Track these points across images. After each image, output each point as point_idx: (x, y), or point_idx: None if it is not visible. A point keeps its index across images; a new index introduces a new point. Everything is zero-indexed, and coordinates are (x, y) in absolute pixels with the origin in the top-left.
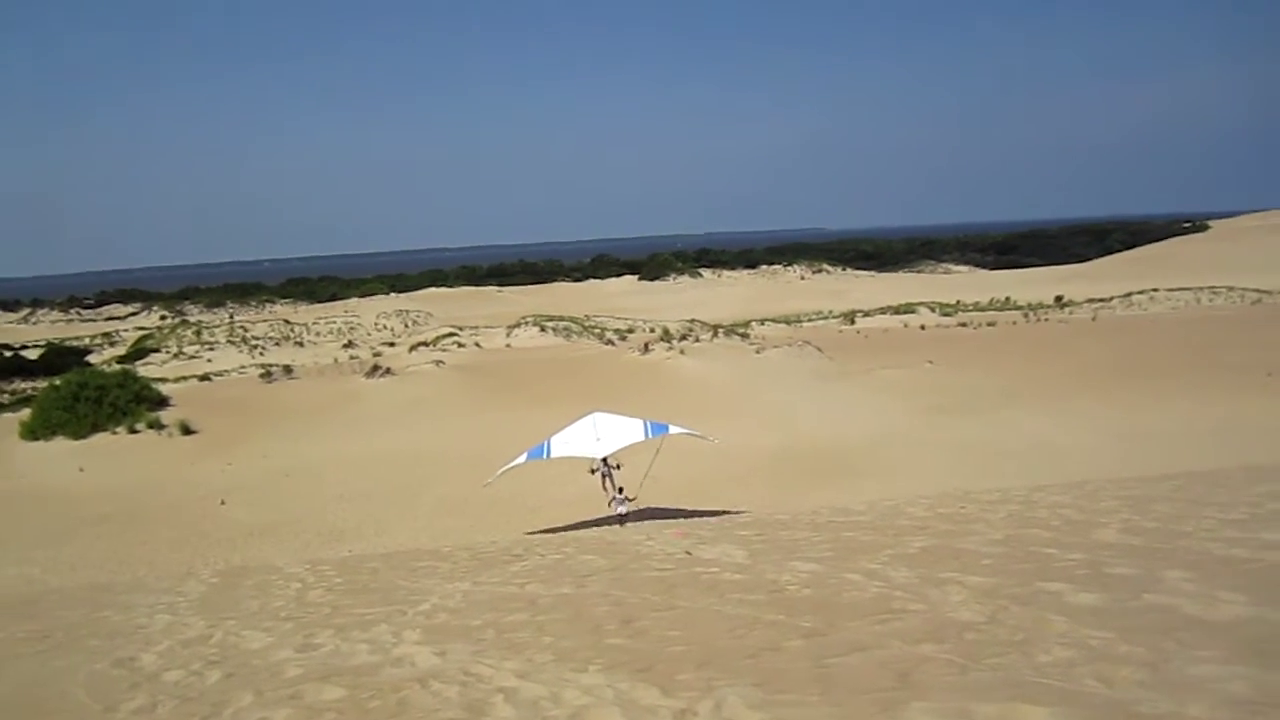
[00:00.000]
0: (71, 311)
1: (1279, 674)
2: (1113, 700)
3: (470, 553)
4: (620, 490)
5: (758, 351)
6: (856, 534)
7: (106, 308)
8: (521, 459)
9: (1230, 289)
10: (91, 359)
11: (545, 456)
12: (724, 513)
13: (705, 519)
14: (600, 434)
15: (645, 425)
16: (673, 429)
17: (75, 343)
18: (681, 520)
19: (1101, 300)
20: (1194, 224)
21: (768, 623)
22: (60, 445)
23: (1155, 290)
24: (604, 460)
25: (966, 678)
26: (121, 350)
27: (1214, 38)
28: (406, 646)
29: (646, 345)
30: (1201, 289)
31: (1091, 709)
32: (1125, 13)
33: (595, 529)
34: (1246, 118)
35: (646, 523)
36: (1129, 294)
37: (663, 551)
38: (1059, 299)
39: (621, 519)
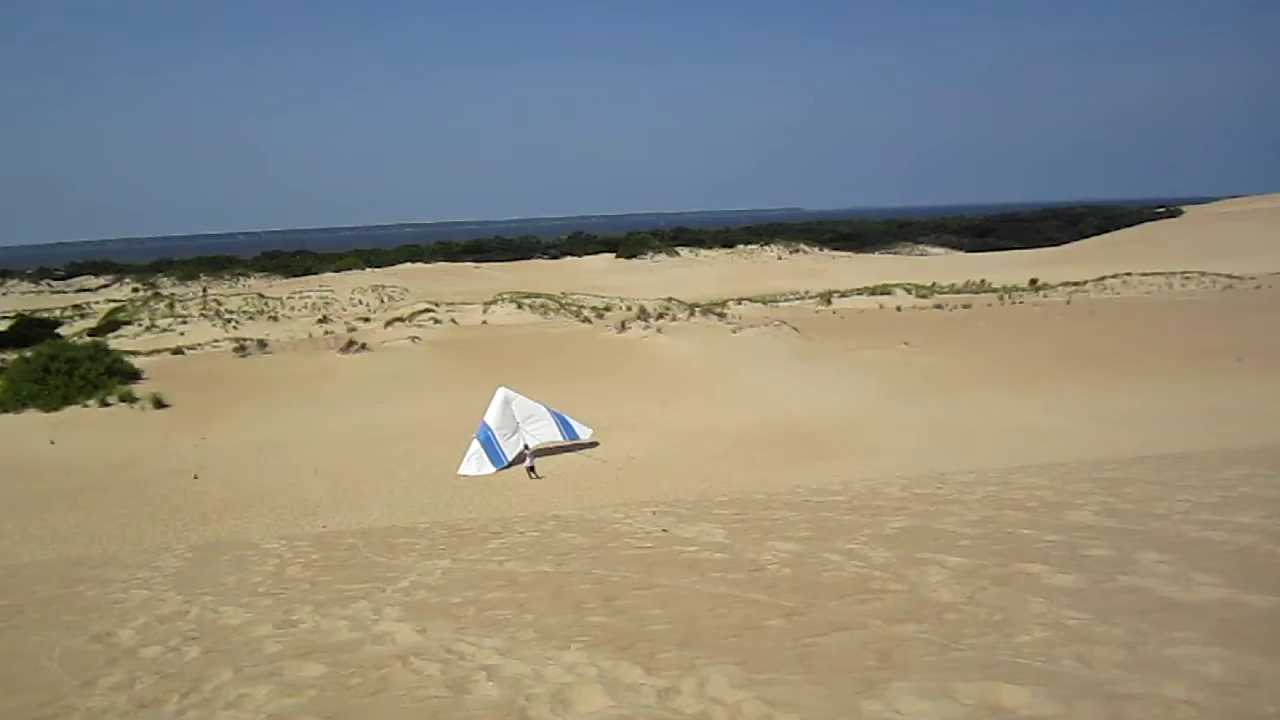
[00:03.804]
0: (42, 283)
1: (1255, 656)
2: (1091, 680)
3: (448, 529)
4: (527, 447)
5: (734, 331)
6: (834, 514)
7: (77, 279)
8: (489, 467)
9: (1202, 274)
10: (62, 331)
11: (506, 463)
12: (701, 491)
13: (683, 497)
14: (520, 418)
15: (554, 419)
16: (575, 425)
17: (45, 315)
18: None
19: (1076, 284)
20: (1168, 209)
21: (748, 602)
22: (31, 418)
23: (1128, 274)
24: (527, 446)
25: (946, 657)
26: (93, 323)
27: (1189, 24)
28: (387, 624)
29: (624, 323)
30: (1174, 274)
31: (1071, 689)
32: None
33: (575, 510)
34: (1221, 105)
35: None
36: (1103, 278)
37: (641, 529)
38: (1034, 282)
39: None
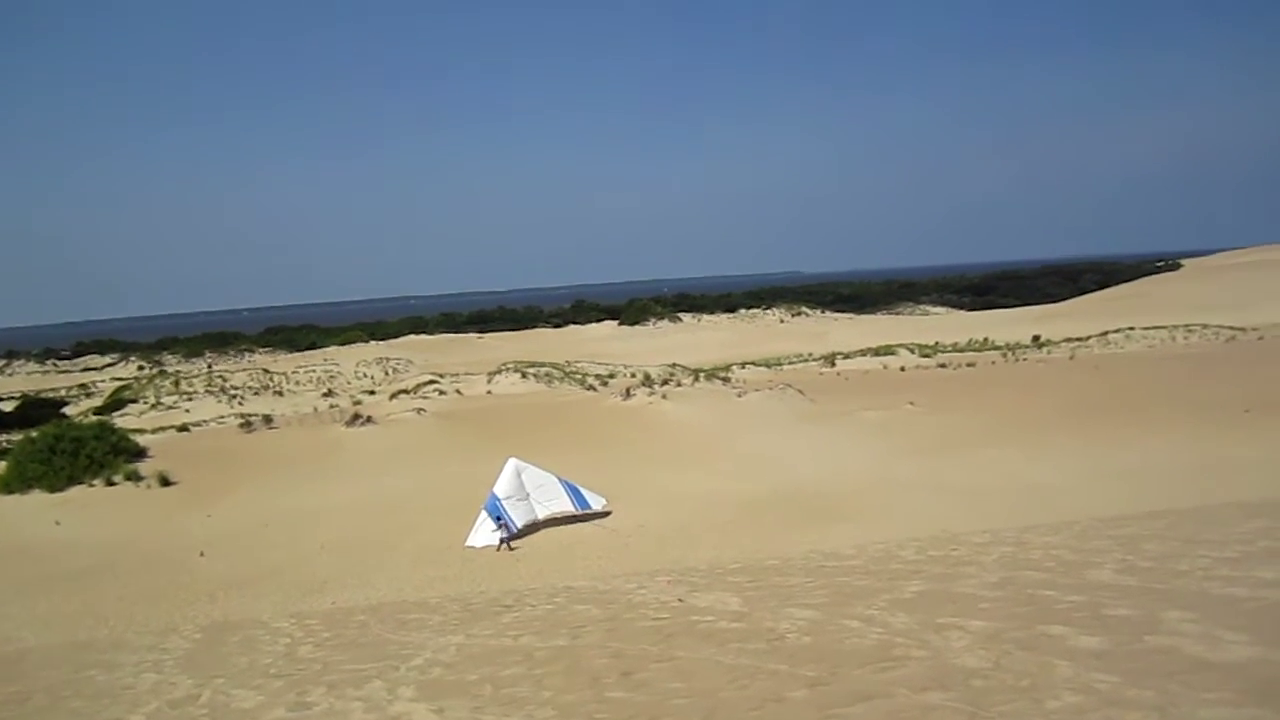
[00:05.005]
0: (47, 363)
1: None
2: None
3: (460, 604)
4: (499, 519)
5: (739, 395)
6: (850, 579)
7: (83, 358)
8: (496, 536)
9: (1204, 326)
10: (68, 411)
11: (515, 530)
12: (713, 558)
13: (695, 565)
14: (530, 488)
15: (565, 488)
16: (586, 495)
17: (51, 394)
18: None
19: (1079, 339)
20: (1166, 263)
21: (769, 672)
22: (36, 498)
23: (1131, 329)
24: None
25: None
26: (98, 401)
27: (1180, 82)
28: (402, 704)
29: (628, 390)
30: (1176, 327)
31: None
32: (1094, 58)
33: (587, 580)
34: (1217, 159)
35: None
36: (1105, 333)
37: (656, 600)
38: (1036, 338)
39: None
